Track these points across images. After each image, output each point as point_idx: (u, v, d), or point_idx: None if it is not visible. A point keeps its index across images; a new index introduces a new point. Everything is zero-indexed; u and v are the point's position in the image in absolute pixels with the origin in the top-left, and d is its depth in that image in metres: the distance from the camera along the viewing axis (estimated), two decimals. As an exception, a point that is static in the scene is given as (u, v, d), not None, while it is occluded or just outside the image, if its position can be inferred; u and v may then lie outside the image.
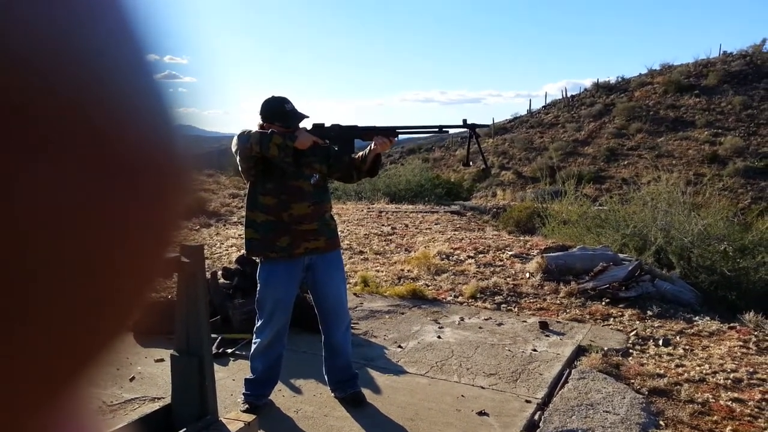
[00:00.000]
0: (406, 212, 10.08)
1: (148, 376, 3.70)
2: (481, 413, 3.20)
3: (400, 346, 4.15)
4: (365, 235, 7.95)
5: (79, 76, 0.20)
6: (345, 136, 3.02)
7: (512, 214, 10.49)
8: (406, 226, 8.77)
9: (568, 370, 3.76)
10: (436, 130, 3.03)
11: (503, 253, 6.95)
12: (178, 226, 0.25)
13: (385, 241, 7.65)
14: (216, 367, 3.80)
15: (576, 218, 7.83)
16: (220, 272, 4.73)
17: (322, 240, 3.06)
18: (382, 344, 4.20)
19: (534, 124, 34.74)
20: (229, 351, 3.97)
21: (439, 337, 4.34)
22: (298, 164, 2.97)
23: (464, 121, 2.98)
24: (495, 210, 12.82)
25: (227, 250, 6.99)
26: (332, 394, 3.34)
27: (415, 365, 3.84)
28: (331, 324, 3.21)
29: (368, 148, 3.04)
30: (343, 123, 3.05)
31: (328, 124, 3.03)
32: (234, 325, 4.26)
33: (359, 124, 3.02)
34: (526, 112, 37.47)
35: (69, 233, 0.20)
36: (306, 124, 3.03)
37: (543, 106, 37.45)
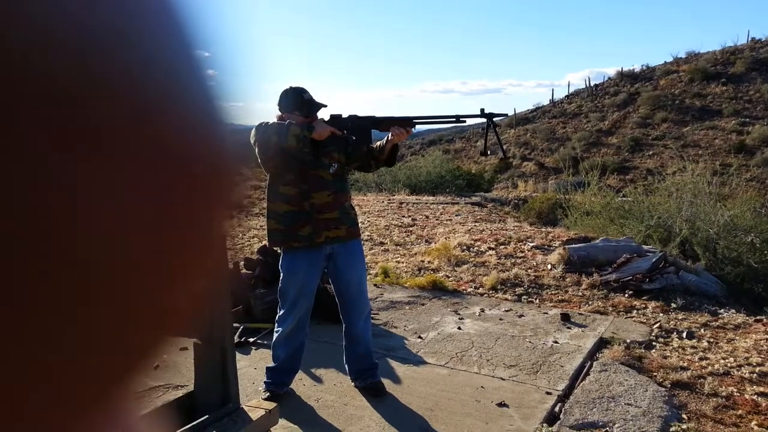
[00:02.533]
0: (426, 203, 10.07)
1: (172, 364, 3.75)
2: (500, 404, 3.19)
3: (420, 337, 4.16)
4: (386, 226, 7.96)
5: (129, 72, 0.20)
6: (362, 126, 3.02)
7: (534, 205, 10.41)
8: (427, 217, 8.76)
9: (589, 363, 3.74)
10: (453, 119, 3.02)
11: (524, 244, 6.90)
12: (226, 225, 0.25)
13: (405, 232, 7.65)
14: (238, 356, 3.84)
15: (599, 209, 7.74)
16: (242, 263, 4.78)
17: (343, 229, 3.08)
18: (402, 335, 4.21)
19: (556, 114, 34.36)
20: (251, 340, 4.01)
21: (459, 328, 4.34)
22: (317, 154, 2.98)
23: (482, 110, 2.96)
24: (516, 201, 12.74)
25: (249, 241, 7.05)
26: (352, 384, 3.36)
27: (435, 356, 3.84)
28: (352, 313, 3.23)
29: (385, 138, 3.05)
30: (362, 114, 3.05)
31: (345, 115, 3.04)
32: (256, 314, 4.30)
33: (376, 115, 3.02)
34: (548, 102, 37.09)
35: (119, 231, 0.20)
36: (323, 114, 3.04)
37: (566, 96, 37.01)
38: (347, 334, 3.28)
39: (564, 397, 3.31)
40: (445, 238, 7.02)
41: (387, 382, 3.39)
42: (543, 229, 7.97)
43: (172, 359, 3.89)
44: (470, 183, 17.73)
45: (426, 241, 7.13)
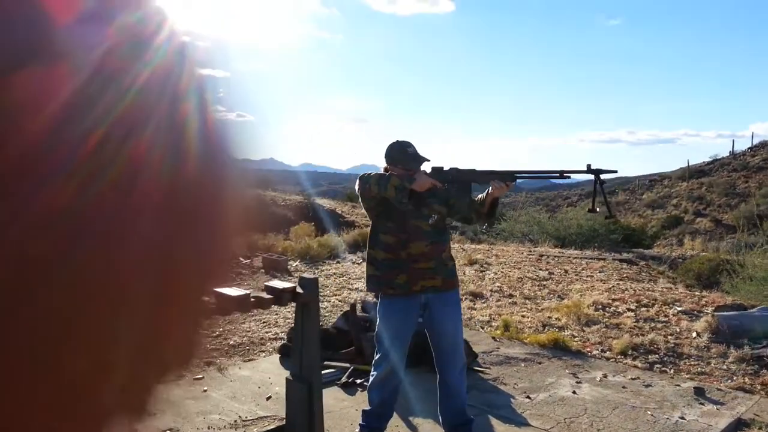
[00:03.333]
0: (569, 257, 9.63)
1: (283, 397, 3.98)
2: (602, 479, 2.95)
3: (528, 397, 3.98)
4: (519, 278, 7.75)
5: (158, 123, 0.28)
6: (463, 179, 3.07)
7: (692, 265, 9.49)
8: (566, 272, 8.38)
9: (718, 446, 3.32)
10: (557, 175, 2.94)
11: (670, 308, 6.32)
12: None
13: (538, 285, 7.39)
14: (343, 395, 3.99)
15: (763, 274, 6.86)
16: (359, 305, 4.96)
17: (438, 279, 3.11)
18: (510, 393, 4.06)
19: (737, 167, 31.15)
20: (358, 381, 4.13)
21: (574, 392, 4.08)
22: (418, 205, 3.07)
23: (588, 166, 2.86)
24: (676, 260, 11.69)
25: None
26: (447, 437, 3.31)
27: (541, 419, 3.65)
28: (446, 364, 3.21)
29: (486, 191, 3.06)
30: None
31: (446, 168, 3.11)
32: (367, 356, 4.42)
33: (477, 168, 3.05)
34: (728, 154, 33.78)
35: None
36: (426, 167, 3.14)
37: (749, 148, 33.50)
38: (441, 386, 3.26)
39: (678, 481, 2.97)
40: (580, 295, 6.66)
41: (483, 440, 3.30)
42: (697, 293, 7.23)
43: (284, 392, 4.13)
44: (628, 238, 16.59)
45: (559, 296, 6.82)
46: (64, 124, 0.25)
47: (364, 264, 3.25)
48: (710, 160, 34.21)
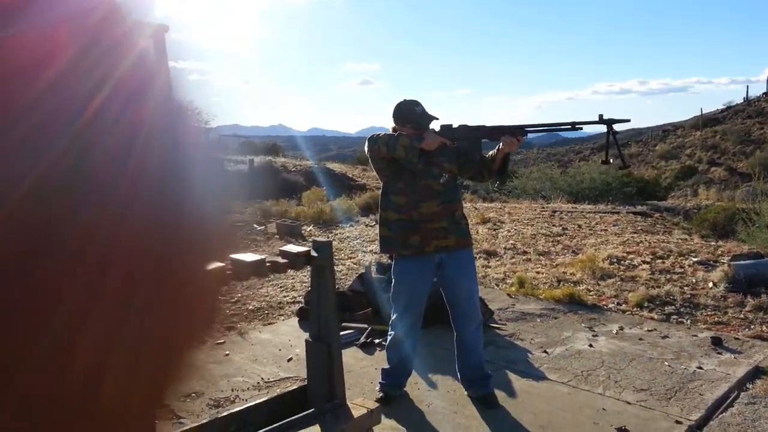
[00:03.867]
0: (582, 212, 9.58)
1: (304, 358, 4.04)
2: (620, 429, 2.99)
3: (545, 351, 4.02)
4: (532, 235, 7.74)
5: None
6: (472, 136, 3.03)
7: (707, 215, 9.41)
8: (579, 227, 8.35)
9: (735, 393, 3.34)
10: (569, 127, 2.90)
11: (686, 259, 6.30)
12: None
13: (552, 242, 7.38)
14: (362, 355, 4.05)
15: (780, 221, 6.79)
16: (374, 267, 4.99)
17: (452, 238, 3.11)
18: (527, 348, 4.10)
19: (752, 114, 30.56)
20: (377, 341, 4.18)
21: (590, 345, 4.11)
22: (428, 164, 3.05)
23: (600, 116, 2.81)
24: (691, 211, 11.60)
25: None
26: (465, 393, 3.36)
27: (558, 372, 3.69)
28: (462, 322, 3.24)
29: (497, 147, 3.02)
30: (472, 123, 3.06)
31: (455, 125, 3.07)
32: (384, 317, 4.47)
33: (486, 124, 3.01)
34: (742, 101, 33.10)
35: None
36: (435, 125, 3.10)
37: (764, 93, 32.75)
38: (458, 343, 3.29)
39: (696, 428, 3.01)
40: (594, 250, 6.65)
41: (501, 395, 3.35)
42: (712, 243, 7.19)
43: (305, 354, 4.20)
44: (642, 191, 16.45)
45: (573, 251, 6.81)
46: (64, 89, 0.25)
47: (377, 226, 3.25)
48: (724, 107, 33.59)
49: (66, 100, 0.25)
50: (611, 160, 3.04)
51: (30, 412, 0.24)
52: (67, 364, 0.25)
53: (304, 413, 2.66)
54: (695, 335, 4.26)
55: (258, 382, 3.64)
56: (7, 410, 0.24)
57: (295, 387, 3.08)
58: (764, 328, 4.33)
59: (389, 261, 4.85)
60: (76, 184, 0.24)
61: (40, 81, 0.24)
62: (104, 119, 0.26)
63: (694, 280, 5.52)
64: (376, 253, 6.59)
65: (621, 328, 4.42)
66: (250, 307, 5.02)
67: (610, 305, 4.95)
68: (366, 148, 3.10)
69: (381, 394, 3.29)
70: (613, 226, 8.48)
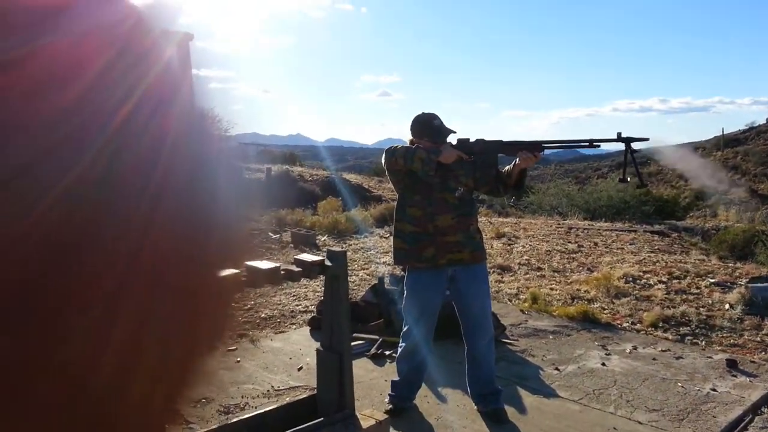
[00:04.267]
0: (599, 230, 9.52)
1: (314, 368, 4.06)
2: (631, 449, 2.96)
3: (557, 369, 3.99)
4: (547, 251, 7.70)
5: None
6: (489, 150, 3.04)
7: (726, 236, 9.30)
8: (595, 244, 8.29)
9: (750, 417, 3.30)
10: (586, 144, 2.90)
11: (703, 280, 6.22)
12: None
13: (567, 258, 7.33)
14: (373, 366, 4.06)
15: (800, 245, 6.69)
16: (387, 278, 5.00)
17: (466, 252, 3.11)
18: (538, 364, 4.07)
19: (775, 135, 30.17)
20: (387, 353, 4.18)
21: (603, 364, 4.08)
22: (444, 177, 3.06)
23: (618, 134, 2.81)
24: (709, 232, 11.47)
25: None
26: (475, 408, 3.35)
27: (570, 390, 3.66)
28: (474, 336, 3.24)
29: (513, 163, 3.03)
30: (489, 138, 3.07)
31: (473, 139, 3.08)
32: (395, 328, 4.47)
33: (504, 139, 3.03)
34: (765, 121, 32.73)
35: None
36: (452, 139, 3.12)
37: (787, 114, 32.39)
38: (469, 357, 3.29)
39: (709, 452, 2.97)
40: (610, 268, 6.60)
41: (511, 411, 3.33)
42: (730, 265, 7.10)
43: (315, 363, 4.21)
44: (661, 210, 16.30)
45: (588, 269, 6.77)
46: (90, 101, 0.26)
47: (391, 238, 3.26)
48: (746, 128, 33.23)
49: (97, 108, 0.26)
50: (629, 179, 3.03)
51: (49, 419, 0.24)
52: (90, 371, 0.25)
53: (314, 422, 2.67)
54: (710, 357, 4.21)
55: (268, 390, 3.66)
56: (27, 418, 0.24)
57: (305, 396, 3.09)
58: (781, 352, 4.26)
59: (403, 273, 4.87)
60: (109, 185, 0.26)
61: (74, 88, 0.26)
62: (133, 125, 0.27)
63: (710, 302, 5.45)
64: (389, 264, 6.60)
65: (635, 348, 4.38)
66: (263, 315, 5.05)
67: (624, 324, 4.91)
68: (383, 160, 3.13)
69: (390, 406, 3.29)
70: (630, 244, 8.41)
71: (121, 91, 0.26)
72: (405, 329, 3.28)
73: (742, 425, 3.20)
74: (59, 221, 0.24)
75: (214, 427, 2.83)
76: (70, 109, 0.25)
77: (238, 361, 4.05)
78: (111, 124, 0.26)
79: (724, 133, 32.35)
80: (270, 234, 8.53)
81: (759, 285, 5.34)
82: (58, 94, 0.24)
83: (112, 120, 0.26)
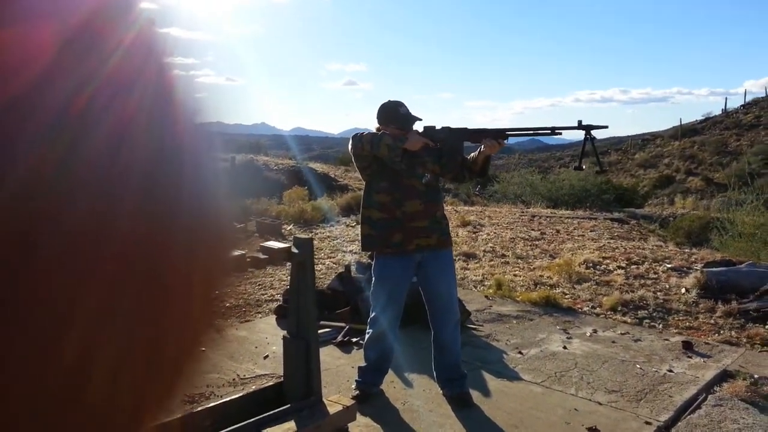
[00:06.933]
0: (561, 218, 9.70)
1: (280, 356, 4.05)
2: (591, 429, 3.05)
3: (520, 352, 4.07)
4: (511, 238, 7.82)
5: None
6: (455, 137, 3.07)
7: (682, 223, 9.59)
8: (557, 231, 8.45)
9: (704, 395, 3.42)
10: (549, 131, 2.95)
11: (660, 265, 6.42)
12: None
13: (530, 245, 7.46)
14: (339, 353, 4.07)
15: (751, 230, 6.95)
16: (354, 266, 5.01)
17: (433, 238, 3.14)
18: (502, 348, 4.15)
19: (729, 126, 31.17)
20: (354, 340, 4.20)
21: (564, 347, 4.18)
22: (411, 164, 3.08)
23: (579, 122, 2.87)
24: (667, 219, 11.81)
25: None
26: (441, 392, 3.40)
27: (532, 373, 3.74)
28: (440, 321, 3.27)
29: (478, 150, 3.07)
30: (455, 126, 3.10)
31: (438, 127, 3.11)
32: (362, 316, 4.49)
33: (469, 127, 3.06)
34: (720, 112, 33.74)
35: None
36: (418, 126, 3.14)
37: (741, 105, 33.48)
38: (435, 342, 3.33)
39: (665, 429, 3.08)
40: (571, 254, 6.74)
41: (476, 395, 3.39)
42: (686, 251, 7.33)
43: (282, 351, 4.19)
44: (620, 198, 16.71)
45: (550, 256, 6.90)
46: (49, 86, 0.25)
47: (358, 226, 3.27)
48: (703, 118, 34.21)
49: (50, 98, 0.25)
50: (584, 167, 3.10)
51: (8, 411, 0.24)
52: (50, 363, 0.24)
53: (280, 409, 2.68)
54: (667, 339, 4.35)
55: (233, 379, 3.64)
56: None
57: (271, 383, 3.08)
58: (733, 333, 4.43)
59: (370, 260, 4.88)
60: (62, 180, 0.25)
61: (22, 79, 0.25)
62: (91, 114, 0.26)
63: (667, 286, 5.63)
64: (356, 252, 6.62)
65: (595, 331, 4.49)
66: (227, 304, 5.00)
67: (585, 308, 5.03)
68: (350, 146, 3.12)
69: (357, 392, 3.31)
70: (591, 231, 8.60)
71: (78, 78, 0.26)
72: (372, 315, 3.30)
73: (696, 403, 3.33)
74: (11, 217, 0.23)
75: (177, 416, 2.80)
76: (21, 98, 0.24)
77: (203, 351, 4.01)
78: (65, 116, 0.25)
79: (682, 123, 33.23)
80: (234, 224, 8.44)
81: (713, 270, 5.53)
82: (7, 83, 0.24)
83: (65, 111, 0.25)
